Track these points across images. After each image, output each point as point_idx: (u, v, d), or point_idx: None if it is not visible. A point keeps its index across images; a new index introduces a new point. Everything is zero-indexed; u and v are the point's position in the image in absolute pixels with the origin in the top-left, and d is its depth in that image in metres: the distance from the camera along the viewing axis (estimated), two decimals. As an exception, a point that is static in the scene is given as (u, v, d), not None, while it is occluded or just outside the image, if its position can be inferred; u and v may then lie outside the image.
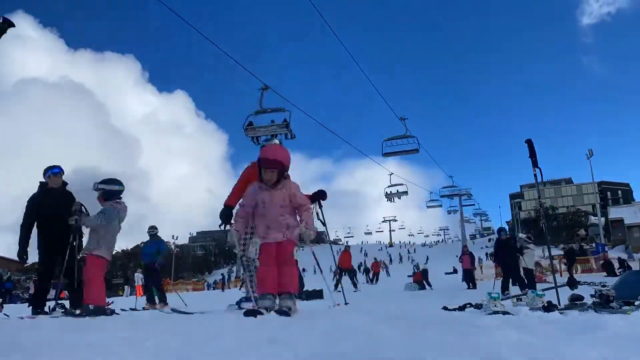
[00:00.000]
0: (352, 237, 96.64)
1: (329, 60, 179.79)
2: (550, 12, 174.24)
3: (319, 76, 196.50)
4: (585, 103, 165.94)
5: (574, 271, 20.84)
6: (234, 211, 4.88)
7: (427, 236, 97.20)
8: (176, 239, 63.13)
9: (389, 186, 29.89)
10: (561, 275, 18.11)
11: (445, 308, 5.93)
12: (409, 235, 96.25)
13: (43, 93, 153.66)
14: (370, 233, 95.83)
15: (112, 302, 9.64)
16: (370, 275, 31.19)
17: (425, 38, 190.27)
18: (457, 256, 34.98)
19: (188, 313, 5.24)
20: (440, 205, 40.52)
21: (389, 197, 30.22)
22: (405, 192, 30.36)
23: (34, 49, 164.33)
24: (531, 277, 13.43)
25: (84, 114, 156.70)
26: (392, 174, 28.69)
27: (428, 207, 40.54)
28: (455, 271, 27.78)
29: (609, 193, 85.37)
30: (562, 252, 25.62)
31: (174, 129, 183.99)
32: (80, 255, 6.20)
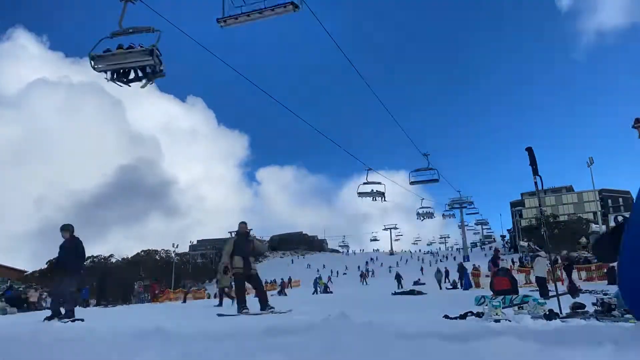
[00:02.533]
0: (347, 245, 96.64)
1: (332, 70, 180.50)
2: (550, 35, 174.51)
3: (318, 82, 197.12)
4: (586, 111, 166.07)
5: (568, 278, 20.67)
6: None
7: (415, 243, 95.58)
8: (176, 247, 62.98)
9: (364, 183, 25.45)
10: (562, 284, 18.01)
11: (446, 316, 5.90)
12: (413, 243, 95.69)
13: (52, 97, 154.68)
14: (376, 240, 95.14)
15: None
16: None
17: (431, 52, 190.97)
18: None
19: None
20: (433, 214, 37.06)
21: (362, 195, 25.93)
22: (382, 194, 25.72)
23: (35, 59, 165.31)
24: (544, 285, 13.24)
25: (103, 118, 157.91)
26: (369, 169, 24.89)
27: (419, 214, 36.33)
28: (455, 286, 26.86)
29: (609, 201, 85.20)
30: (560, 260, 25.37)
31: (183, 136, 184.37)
32: None
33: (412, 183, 25.53)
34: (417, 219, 36.65)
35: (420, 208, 36.32)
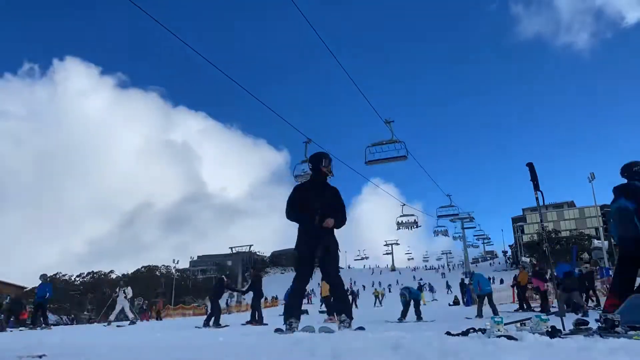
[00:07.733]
0: (361, 259, 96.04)
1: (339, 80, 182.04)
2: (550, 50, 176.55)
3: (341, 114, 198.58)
4: (587, 126, 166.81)
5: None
6: None
7: (411, 259, 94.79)
8: (177, 263, 62.72)
9: (400, 216, 31.77)
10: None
11: (448, 333, 5.83)
12: (409, 259, 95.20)
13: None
14: (367, 258, 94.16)
15: None
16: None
17: (431, 66, 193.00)
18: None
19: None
20: (416, 223, 32.06)
21: (400, 225, 32.23)
22: (415, 223, 32.18)
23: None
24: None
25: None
26: (404, 204, 31.15)
27: (399, 224, 31.83)
28: (457, 302, 26.78)
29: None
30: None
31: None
32: None
33: (439, 217, 32.95)
34: (397, 229, 32.35)
35: (400, 217, 31.19)
